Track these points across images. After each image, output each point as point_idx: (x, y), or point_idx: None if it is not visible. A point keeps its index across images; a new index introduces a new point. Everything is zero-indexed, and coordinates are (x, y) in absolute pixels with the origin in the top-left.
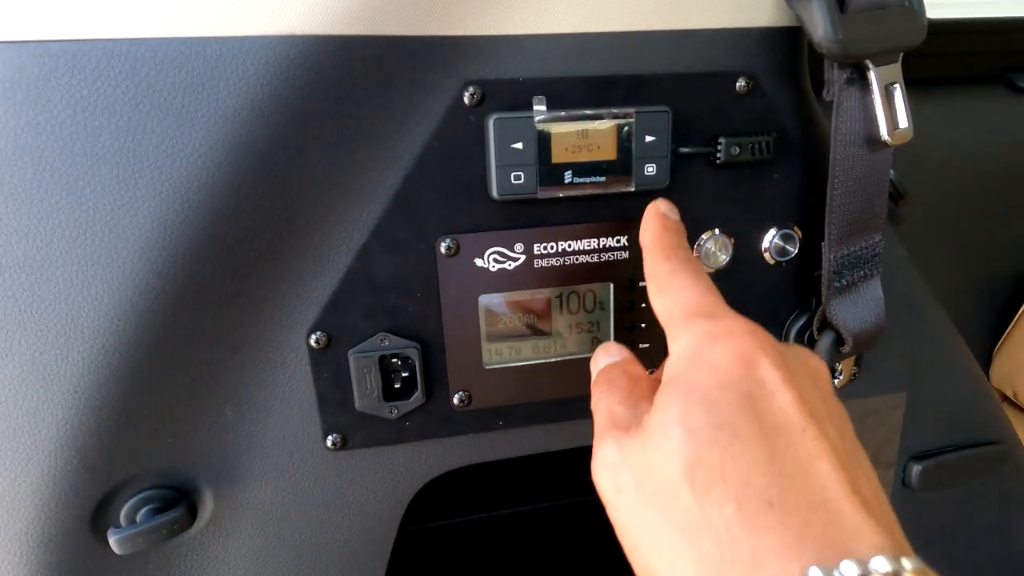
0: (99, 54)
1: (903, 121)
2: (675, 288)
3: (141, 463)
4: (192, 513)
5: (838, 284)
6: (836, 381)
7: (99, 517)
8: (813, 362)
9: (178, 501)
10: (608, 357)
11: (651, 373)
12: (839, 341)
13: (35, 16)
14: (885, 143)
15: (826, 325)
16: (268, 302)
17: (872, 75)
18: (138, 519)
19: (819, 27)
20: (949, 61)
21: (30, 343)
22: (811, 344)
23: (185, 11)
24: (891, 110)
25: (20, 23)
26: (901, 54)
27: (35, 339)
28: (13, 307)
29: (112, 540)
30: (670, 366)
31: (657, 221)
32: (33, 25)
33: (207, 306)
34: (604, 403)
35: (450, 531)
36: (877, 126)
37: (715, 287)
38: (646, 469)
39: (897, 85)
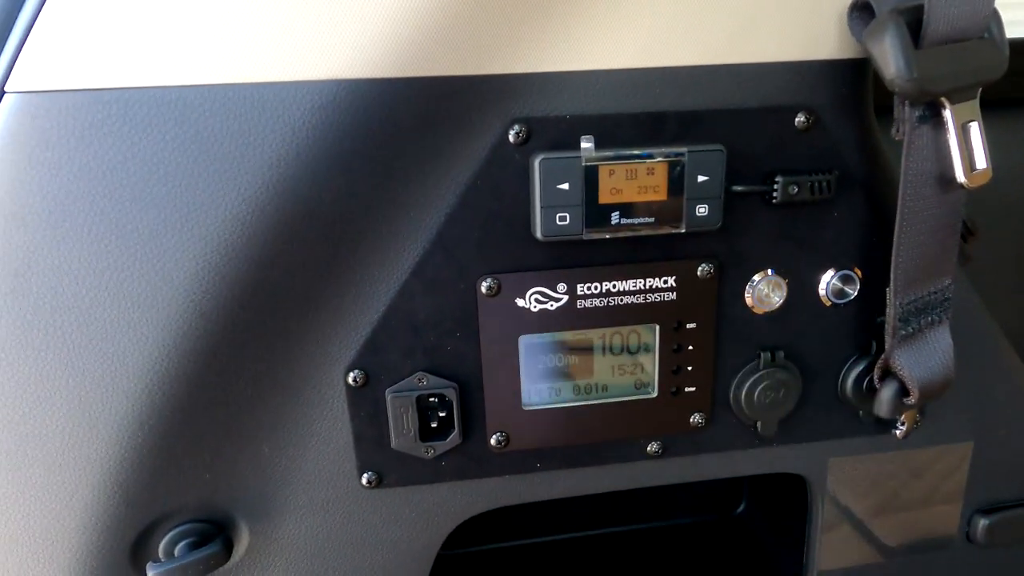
0: (149, 101)
1: (981, 162)
2: None
3: (180, 498)
4: (228, 548)
5: (904, 332)
6: (897, 431)
7: (139, 550)
8: None
9: (215, 535)
10: None
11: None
12: (903, 392)
13: (89, 64)
14: (961, 185)
15: (889, 374)
16: (308, 341)
17: (948, 113)
18: (176, 553)
19: (891, 64)
20: (1014, 81)
21: (77, 382)
22: (871, 393)
23: (231, 58)
24: (968, 150)
25: (75, 71)
26: (979, 90)
27: (81, 378)
28: (62, 346)
29: (151, 574)
30: None
31: None
32: (87, 73)
33: (248, 345)
34: None
35: (482, 558)
36: (952, 167)
37: None
38: None
39: (975, 123)
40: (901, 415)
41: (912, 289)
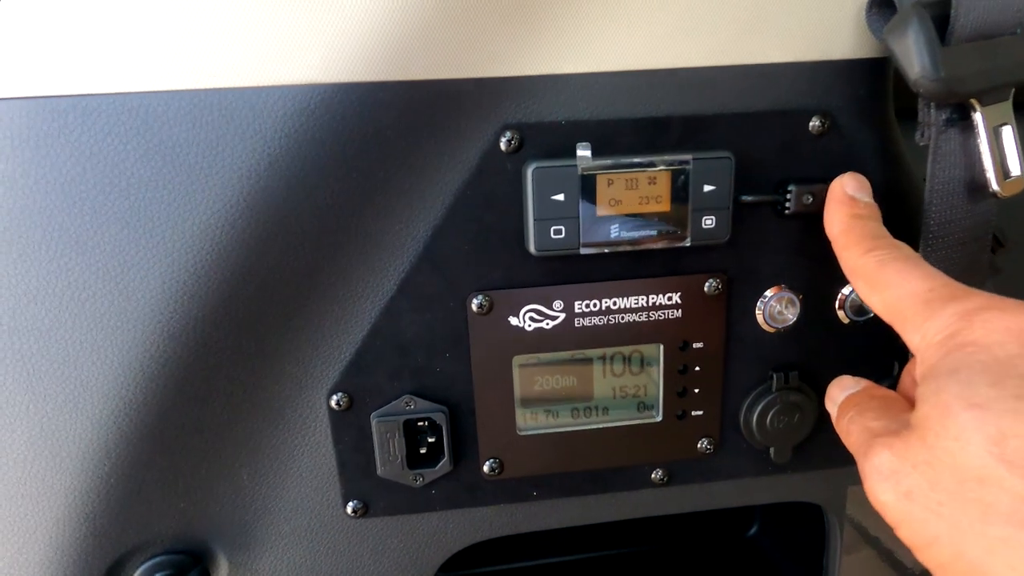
0: (109, 109)
1: (1016, 168)
2: (892, 280)
3: (153, 528)
4: None
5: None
6: None
7: None
8: None
9: (191, 567)
10: (844, 390)
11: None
12: None
13: (44, 71)
14: (994, 194)
15: None
16: (287, 361)
17: (978, 116)
18: None
19: (916, 63)
20: None
21: (37, 407)
22: None
23: (196, 61)
24: (1001, 156)
25: (29, 78)
26: (1012, 90)
27: (42, 403)
28: (20, 370)
29: None
30: (922, 362)
31: (844, 208)
32: (42, 80)
33: (222, 367)
34: (857, 424)
35: None
36: (983, 174)
37: (937, 270)
38: (937, 465)
39: (1008, 126)
40: None
41: None
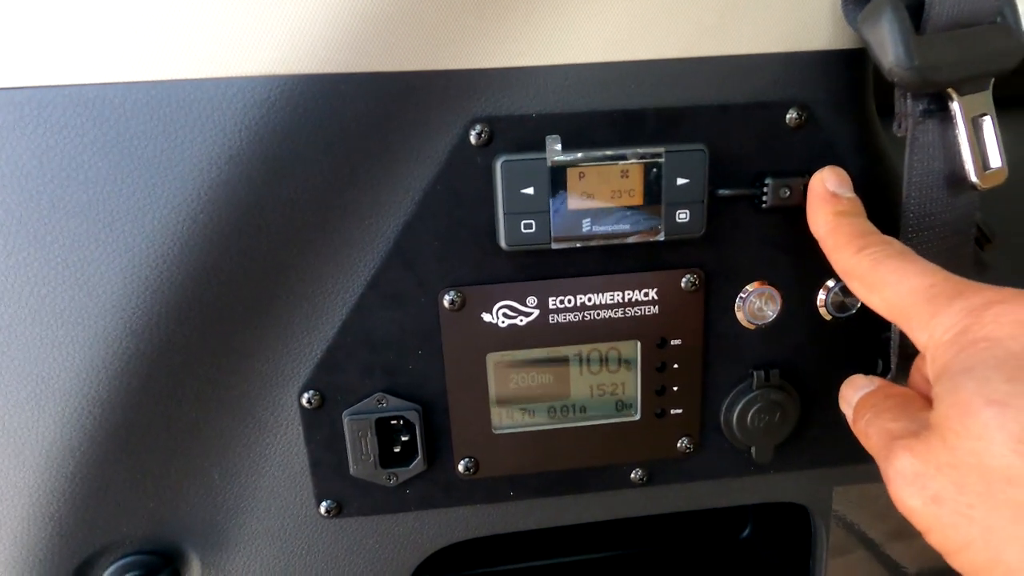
0: (64, 101)
1: (995, 160)
2: (889, 278)
3: (121, 529)
4: None
5: (913, 349)
6: None
7: None
8: None
9: (162, 567)
10: (858, 390)
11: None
12: None
13: None
14: (973, 186)
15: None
16: (256, 359)
17: (956, 106)
18: None
19: (890, 51)
20: None
21: None
22: None
23: (154, 53)
24: (980, 147)
25: None
26: (991, 80)
27: (2, 400)
28: None
29: None
30: (934, 360)
31: (827, 206)
32: None
33: (189, 365)
34: (875, 427)
35: None
36: (963, 166)
37: (934, 264)
38: (962, 467)
39: (987, 117)
40: None
41: None
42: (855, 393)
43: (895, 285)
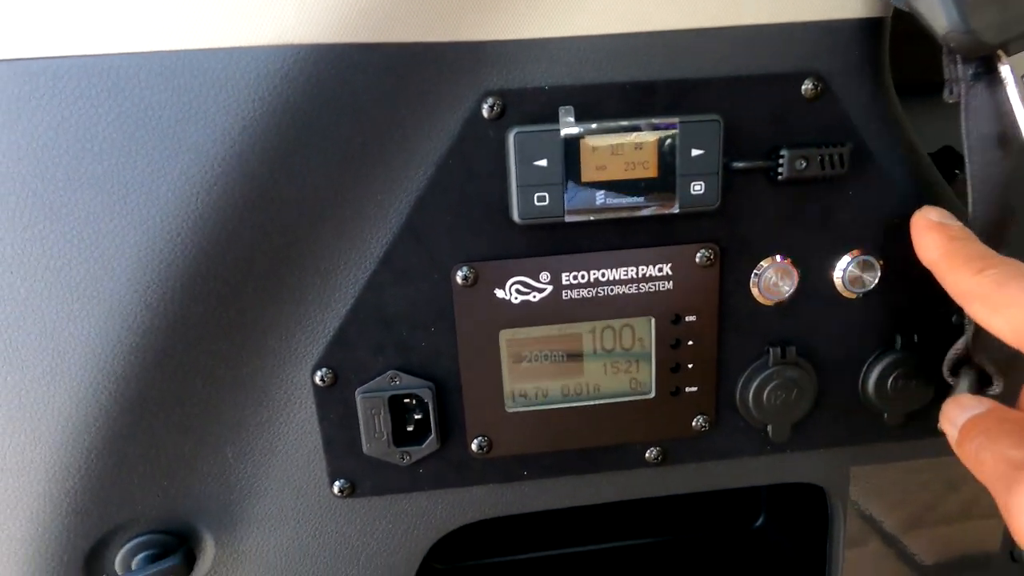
0: (79, 71)
1: None
2: (1018, 298)
3: (136, 507)
4: (190, 560)
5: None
6: None
7: (92, 564)
8: None
9: (176, 547)
10: (965, 410)
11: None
12: (982, 381)
13: (12, 33)
14: None
15: (963, 363)
16: (269, 336)
17: (1006, 68)
18: (134, 566)
19: (943, 17)
20: None
21: (12, 381)
22: (897, 392)
23: (167, 22)
24: None
25: None
26: None
27: (17, 377)
28: None
29: None
30: None
31: (939, 233)
32: (11, 43)
33: (203, 340)
34: (991, 454)
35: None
36: (1016, 126)
37: None
38: None
39: None
40: None
41: None
42: (962, 414)
43: (1020, 305)
